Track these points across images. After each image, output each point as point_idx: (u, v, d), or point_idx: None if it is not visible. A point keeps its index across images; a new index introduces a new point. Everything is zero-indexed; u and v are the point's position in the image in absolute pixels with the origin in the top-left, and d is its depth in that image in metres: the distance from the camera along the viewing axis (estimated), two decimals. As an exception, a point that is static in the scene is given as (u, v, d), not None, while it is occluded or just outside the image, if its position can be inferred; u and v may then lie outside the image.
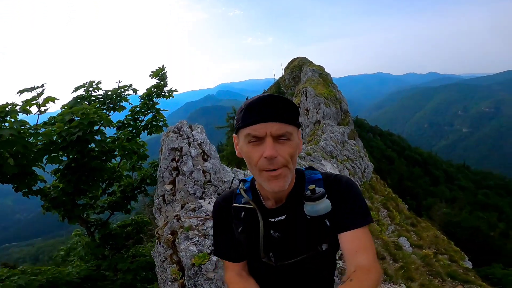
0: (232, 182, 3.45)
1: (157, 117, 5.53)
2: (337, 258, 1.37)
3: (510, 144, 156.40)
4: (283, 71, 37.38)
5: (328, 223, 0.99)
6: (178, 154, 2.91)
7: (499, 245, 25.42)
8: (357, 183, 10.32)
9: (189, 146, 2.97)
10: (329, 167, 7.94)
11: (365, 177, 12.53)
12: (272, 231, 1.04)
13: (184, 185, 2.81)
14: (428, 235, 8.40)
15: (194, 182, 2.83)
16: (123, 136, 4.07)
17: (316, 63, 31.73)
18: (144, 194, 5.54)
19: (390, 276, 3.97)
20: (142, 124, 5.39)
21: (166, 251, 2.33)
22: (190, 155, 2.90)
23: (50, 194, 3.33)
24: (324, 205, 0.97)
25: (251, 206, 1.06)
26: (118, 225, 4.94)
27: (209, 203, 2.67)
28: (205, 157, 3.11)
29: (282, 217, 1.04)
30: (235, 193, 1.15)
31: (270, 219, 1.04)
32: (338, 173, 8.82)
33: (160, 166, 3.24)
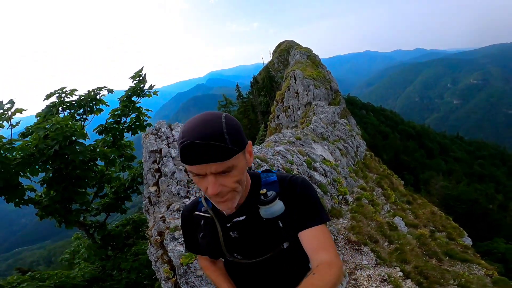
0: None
1: (140, 117, 5.48)
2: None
3: (500, 114, 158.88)
4: (271, 55, 36.91)
5: (281, 224, 1.02)
6: (158, 156, 2.88)
7: (499, 218, 25.97)
8: (349, 163, 10.41)
9: (169, 147, 2.93)
10: (320, 150, 7.94)
11: (358, 156, 12.63)
12: (231, 233, 1.09)
13: (168, 186, 2.79)
14: (425, 213, 8.48)
15: (177, 183, 2.81)
16: (100, 144, 4.05)
17: (303, 45, 31.34)
18: (138, 193, 5.56)
19: (383, 259, 4.01)
20: (125, 125, 5.32)
21: (157, 252, 2.35)
22: (171, 156, 2.86)
23: (42, 202, 3.32)
24: (277, 207, 1.00)
25: (208, 216, 1.12)
26: (117, 225, 4.99)
27: None
28: (187, 155, 3.06)
29: (242, 218, 1.08)
30: (197, 201, 1.21)
31: (227, 224, 1.08)
32: (330, 155, 8.87)
33: (143, 168, 3.20)
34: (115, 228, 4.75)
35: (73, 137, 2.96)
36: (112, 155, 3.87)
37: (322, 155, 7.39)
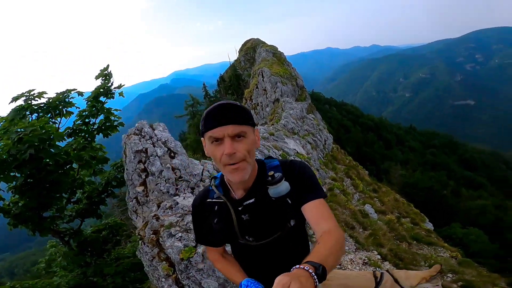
0: (202, 174, 3.48)
1: (110, 117, 5.26)
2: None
3: (447, 105, 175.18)
4: (237, 53, 36.88)
5: (289, 201, 1.16)
6: (144, 155, 2.85)
7: (453, 204, 28.54)
8: (319, 155, 10.90)
9: (154, 146, 2.92)
10: (292, 144, 8.24)
11: (326, 148, 13.25)
12: (243, 216, 1.20)
13: (156, 184, 2.78)
14: (389, 200, 9.15)
15: (165, 181, 2.82)
16: (74, 146, 3.85)
17: (269, 43, 31.79)
18: (112, 197, 5.36)
19: (362, 244, 4.32)
20: (95, 127, 5.09)
21: (152, 250, 2.35)
22: (157, 155, 2.86)
23: (12, 211, 3.10)
24: (284, 186, 1.14)
25: (222, 200, 1.22)
26: (92, 231, 4.78)
27: (184, 198, 2.70)
28: (172, 154, 3.08)
29: (252, 200, 1.19)
30: (207, 189, 1.31)
31: (239, 208, 1.20)
32: (301, 148, 9.22)
33: (127, 169, 3.14)
34: (91, 234, 4.55)
35: (49, 140, 2.80)
36: (86, 157, 3.70)
37: (295, 149, 7.69)
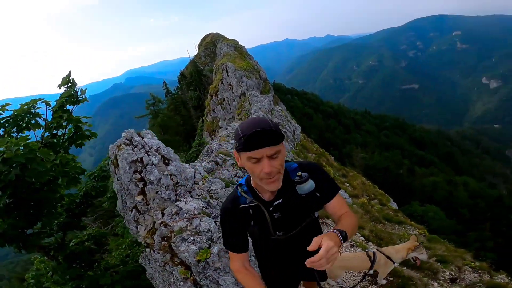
0: (195, 177, 3.55)
1: (80, 126, 5.02)
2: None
3: (395, 89, 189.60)
4: (197, 49, 35.98)
5: (318, 194, 1.39)
6: (140, 165, 2.84)
7: (410, 182, 31.04)
8: (290, 146, 11.32)
9: (148, 155, 2.91)
10: (267, 138, 8.45)
11: (296, 139, 13.75)
12: (274, 214, 1.41)
13: (156, 192, 2.80)
14: (358, 183, 9.86)
15: (165, 188, 2.85)
16: (57, 161, 3.64)
17: (229, 37, 31.50)
18: (93, 207, 5.16)
19: None
20: (65, 138, 4.82)
21: (164, 256, 2.40)
22: (153, 164, 2.86)
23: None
24: (310, 183, 1.35)
25: (255, 203, 1.40)
26: (76, 243, 4.59)
27: (185, 203, 2.76)
28: (166, 161, 3.10)
29: (280, 201, 1.41)
30: (237, 196, 1.45)
31: (270, 208, 1.41)
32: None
33: (118, 180, 3.08)
34: (77, 246, 4.38)
35: (35, 159, 2.64)
36: (72, 172, 3.53)
37: (271, 143, 7.85)
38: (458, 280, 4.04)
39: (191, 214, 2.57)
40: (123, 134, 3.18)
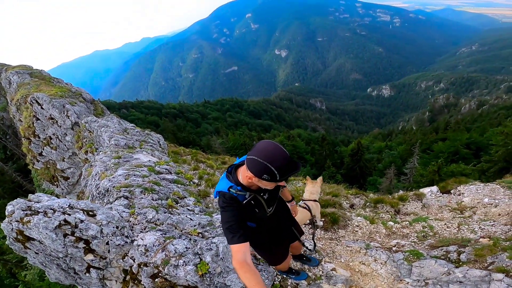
0: (122, 217, 3.11)
1: None
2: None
3: (220, 75, 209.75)
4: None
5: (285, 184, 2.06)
6: (68, 227, 2.32)
7: None
8: (165, 157, 10.92)
9: (69, 214, 2.32)
10: (143, 157, 7.88)
11: (164, 148, 13.26)
12: (264, 196, 1.88)
13: (107, 243, 2.35)
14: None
15: (113, 235, 2.44)
16: None
17: (13, 64, 24.66)
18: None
19: None
20: None
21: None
22: (82, 220, 2.34)
23: None
24: None
25: (253, 195, 1.79)
26: None
27: (143, 239, 2.49)
28: (91, 213, 2.57)
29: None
30: (233, 197, 1.78)
31: (261, 194, 1.85)
32: (153, 157, 8.94)
33: (43, 251, 2.34)
34: None
35: None
36: None
37: (150, 160, 7.40)
38: (354, 205, 5.59)
39: (159, 246, 2.39)
40: (10, 208, 2.38)
